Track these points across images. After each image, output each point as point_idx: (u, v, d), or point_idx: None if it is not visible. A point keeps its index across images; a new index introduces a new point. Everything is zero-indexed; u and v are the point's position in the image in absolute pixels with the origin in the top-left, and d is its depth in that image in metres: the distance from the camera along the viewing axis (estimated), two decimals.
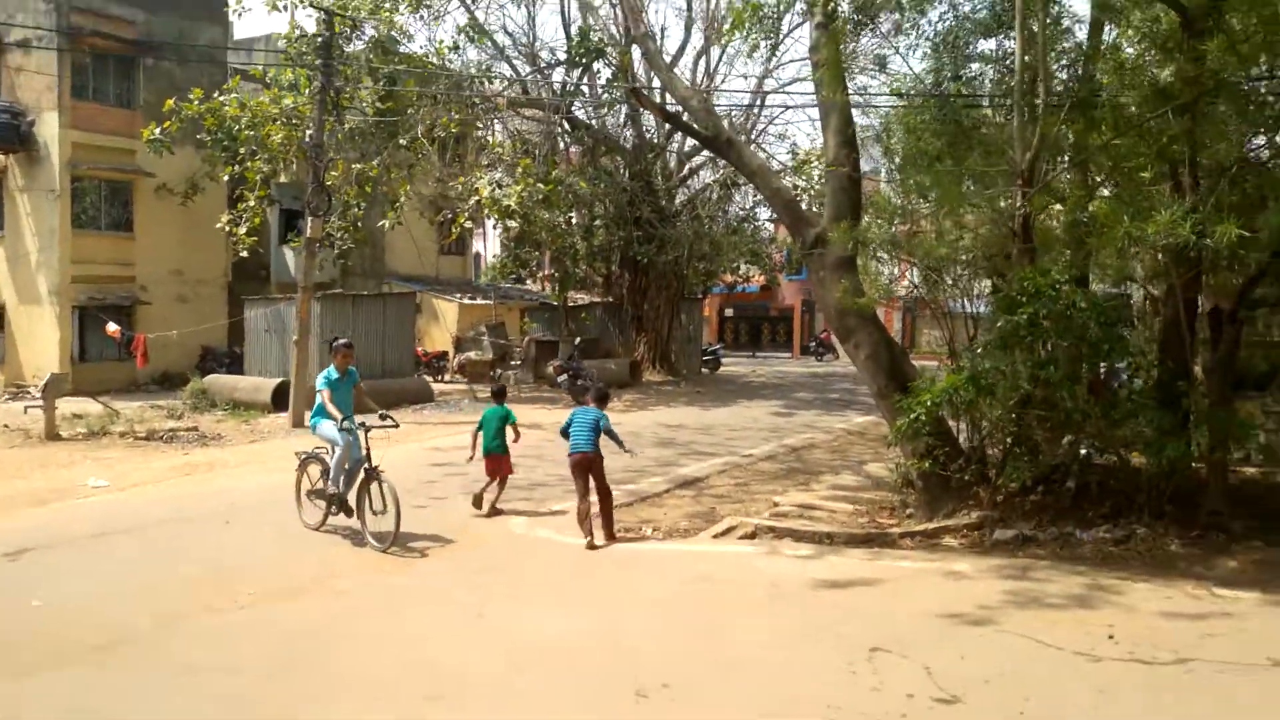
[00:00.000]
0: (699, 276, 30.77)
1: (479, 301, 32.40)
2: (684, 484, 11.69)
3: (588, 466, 8.89)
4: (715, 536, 8.92)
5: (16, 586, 7.69)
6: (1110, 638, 5.74)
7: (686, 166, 29.74)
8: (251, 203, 22.84)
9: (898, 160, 11.04)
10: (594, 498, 8.79)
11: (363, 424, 8.88)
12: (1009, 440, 8.79)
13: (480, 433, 10.15)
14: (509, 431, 10.13)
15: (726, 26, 17.48)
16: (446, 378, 27.80)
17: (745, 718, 4.73)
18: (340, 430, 8.84)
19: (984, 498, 8.73)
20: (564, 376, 22.05)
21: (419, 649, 5.86)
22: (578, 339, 26.30)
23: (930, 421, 8.65)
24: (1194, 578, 7.03)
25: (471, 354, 28.19)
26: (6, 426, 17.98)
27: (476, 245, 39.53)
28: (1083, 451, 8.88)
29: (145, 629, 6.43)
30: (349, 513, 8.93)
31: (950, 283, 10.59)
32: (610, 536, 8.65)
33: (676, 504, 10.58)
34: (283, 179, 25.98)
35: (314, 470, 9.45)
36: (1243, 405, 9.03)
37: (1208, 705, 4.82)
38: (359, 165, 22.49)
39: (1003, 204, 9.48)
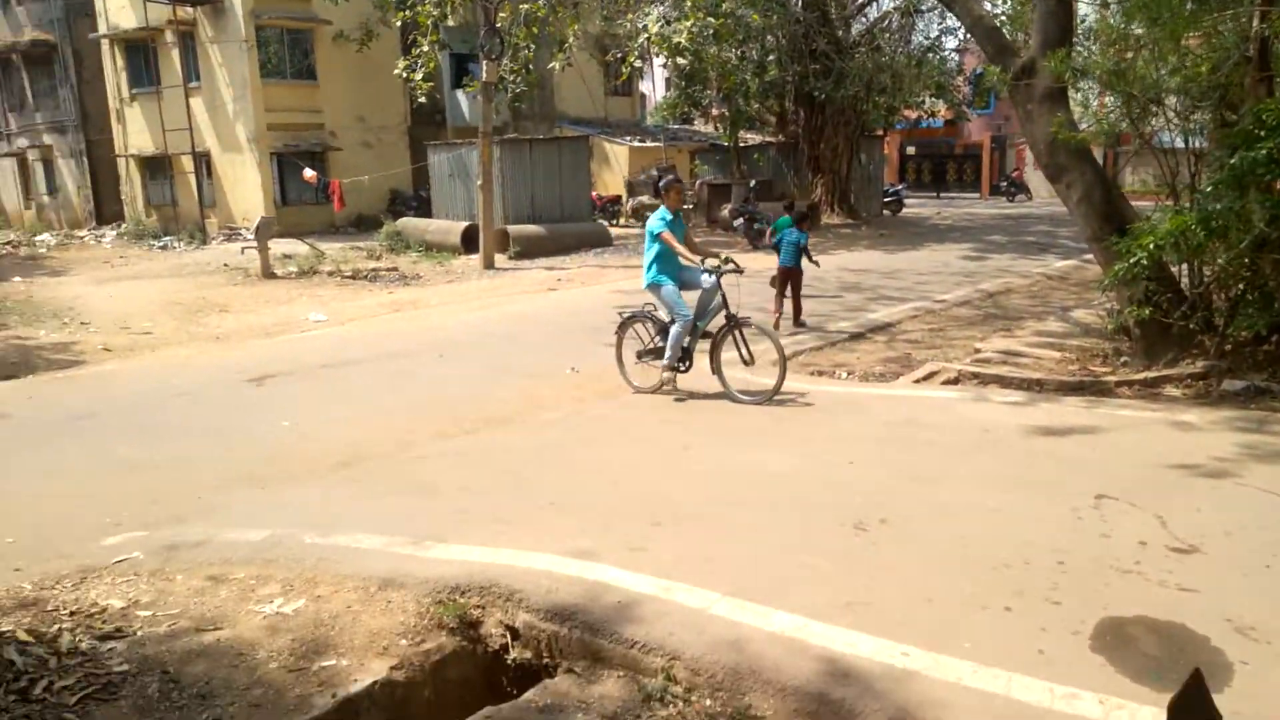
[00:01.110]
0: (879, 112, 29.28)
1: (649, 144, 32.12)
2: (875, 329, 11.54)
3: (790, 278, 11.62)
4: (915, 381, 8.83)
5: (266, 408, 8.54)
6: None
7: None
8: (424, 47, 23.08)
9: None
10: (787, 306, 11.60)
11: (716, 269, 8.12)
12: (1240, 286, 8.18)
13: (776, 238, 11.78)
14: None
15: None
16: (621, 221, 28.05)
17: (969, 557, 4.77)
18: (701, 273, 8.12)
19: (1209, 347, 8.22)
20: (740, 220, 21.84)
21: (634, 479, 6.15)
22: (751, 181, 25.82)
23: (1152, 266, 8.13)
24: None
25: (644, 198, 28.21)
26: (226, 265, 19.53)
27: (644, 85, 38.86)
28: None
29: (382, 450, 7.03)
30: (701, 364, 8.33)
31: (1169, 115, 9.71)
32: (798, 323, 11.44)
33: (869, 349, 10.49)
34: (451, 22, 26.04)
35: (644, 330, 8.71)
36: None
37: None
38: (526, 5, 22.24)
39: (1231, 27, 8.48)
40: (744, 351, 8.18)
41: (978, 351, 9.82)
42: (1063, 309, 12.18)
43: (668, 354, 8.23)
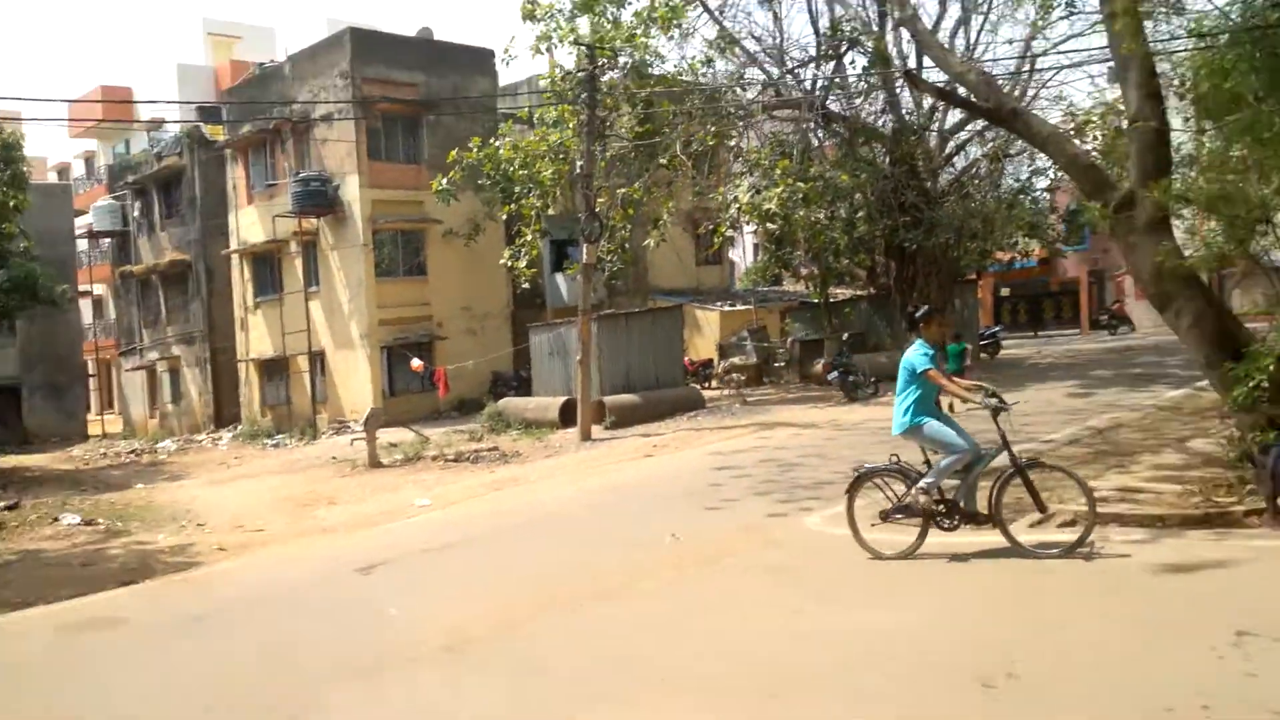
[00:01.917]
0: (971, 257, 29.21)
1: (738, 307, 32.68)
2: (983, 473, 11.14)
3: None
4: (1031, 526, 8.43)
5: (372, 596, 8.65)
6: None
7: (951, 143, 28.42)
8: (528, 237, 24.43)
9: (1203, 107, 10.05)
10: None
11: (996, 406, 7.23)
12: None
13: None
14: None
15: None
16: (714, 384, 28.28)
17: (1105, 708, 4.42)
18: (984, 401, 7.25)
19: None
20: (834, 373, 21.78)
21: (745, 649, 5.96)
22: (844, 335, 25.88)
23: (1272, 388, 7.78)
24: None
25: (736, 359, 28.49)
26: (335, 458, 20.29)
27: (733, 253, 39.94)
28: None
29: (487, 631, 6.99)
30: (978, 522, 7.41)
31: (1277, 234, 9.47)
32: None
33: (980, 494, 10.10)
34: (551, 211, 27.60)
35: (892, 486, 7.75)
36: None
37: None
38: (623, 189, 23.42)
39: None
40: (1036, 500, 7.33)
41: (1093, 490, 9.35)
42: (1179, 440, 11.58)
43: (929, 477, 7.32)
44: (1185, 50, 10.41)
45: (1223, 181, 9.39)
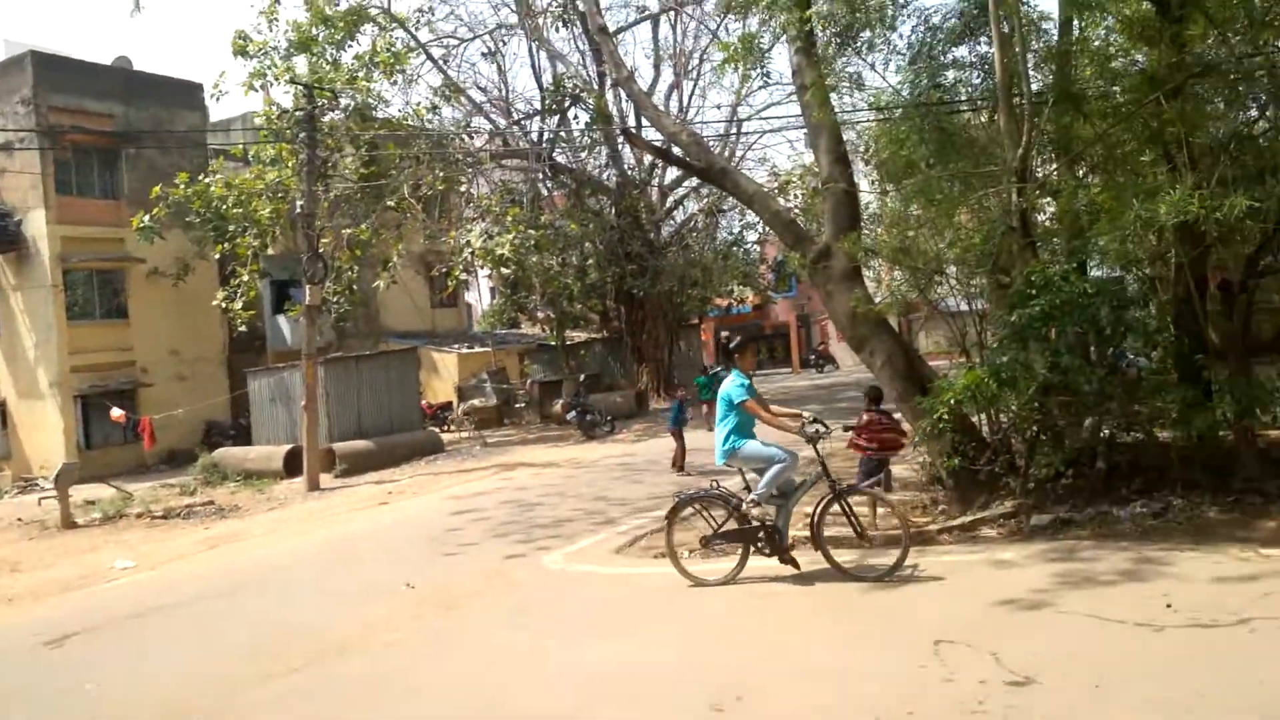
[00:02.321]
0: (693, 303, 31.06)
1: (477, 350, 32.55)
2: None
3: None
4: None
5: (65, 672, 7.67)
6: (1169, 607, 5.78)
7: (671, 198, 30.11)
8: (245, 277, 23.08)
9: (884, 171, 11.29)
10: None
11: (814, 434, 7.34)
12: (1034, 429, 8.87)
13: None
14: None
15: (719, 62, 17.74)
16: (452, 427, 27.88)
17: None
18: (804, 429, 7.35)
19: (1015, 487, 8.78)
20: (572, 413, 22.19)
21: (488, 695, 5.84)
22: (581, 375, 26.47)
23: (954, 419, 8.74)
24: (1238, 541, 7.08)
25: (475, 401, 28.31)
26: (20, 520, 17.93)
27: (469, 295, 39.73)
28: (1106, 432, 8.96)
29: (203, 704, 6.40)
30: (782, 552, 7.42)
31: (951, 283, 10.76)
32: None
33: (708, 525, 10.57)
34: (270, 251, 26.22)
35: (713, 513, 7.80)
36: (1259, 372, 9.13)
37: (1278, 659, 4.86)
38: (349, 230, 22.71)
39: (994, 202, 9.64)
40: (855, 524, 7.50)
41: (808, 516, 10.06)
42: None
43: (760, 488, 7.33)
44: (868, 121, 11.65)
45: (903, 237, 10.57)
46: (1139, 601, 5.98)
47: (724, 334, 8.32)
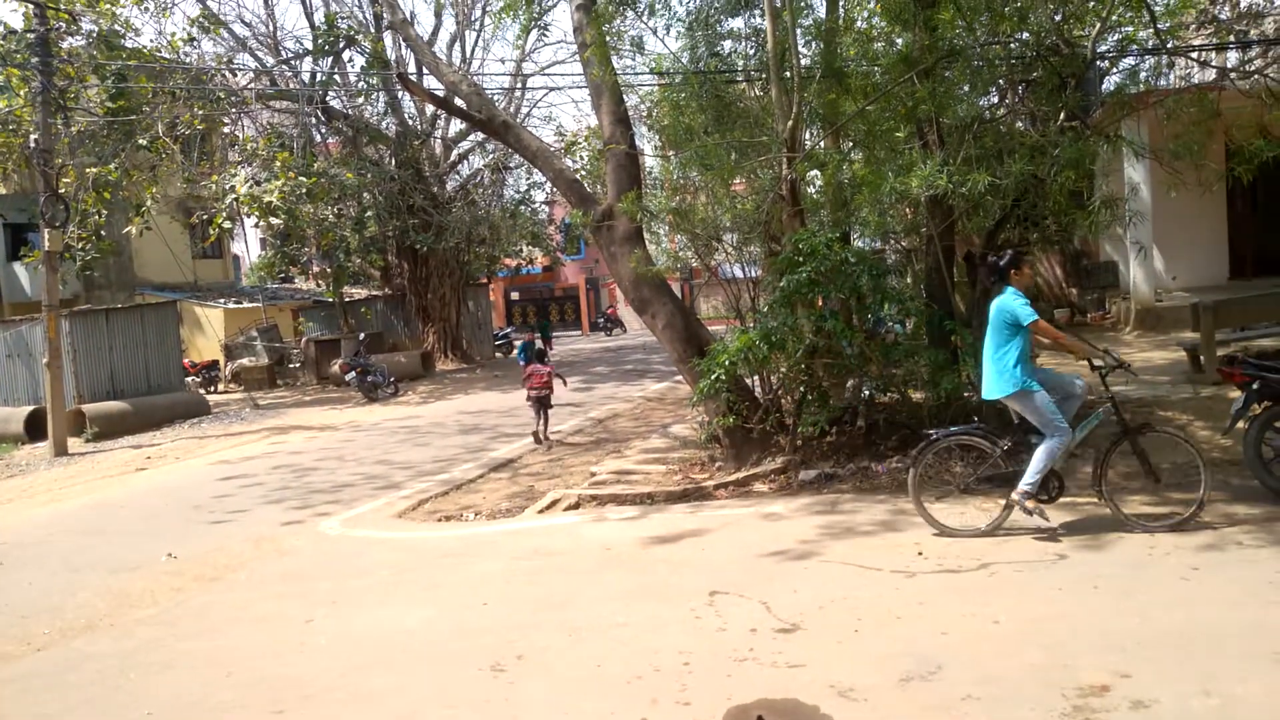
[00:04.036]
0: (481, 262, 30.52)
1: (245, 305, 30.66)
2: (498, 467, 11.67)
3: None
4: (540, 512, 9.01)
5: None
6: (920, 554, 6.32)
7: (455, 152, 29.33)
8: None
9: (665, 136, 11.54)
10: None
11: (1106, 366, 6.56)
12: (801, 389, 9.39)
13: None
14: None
15: (497, 8, 17.34)
16: (221, 388, 26.24)
17: (604, 674, 4.86)
18: (1108, 360, 6.51)
19: (784, 444, 9.30)
20: (352, 373, 21.36)
21: (251, 667, 5.56)
22: (361, 334, 25.50)
23: (729, 380, 9.12)
24: (982, 494, 7.73)
25: (245, 360, 26.71)
26: None
27: (236, 247, 37.26)
28: (866, 393, 9.63)
29: None
30: (1051, 496, 6.60)
31: (728, 249, 11.18)
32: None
33: (494, 487, 10.56)
34: (2, 190, 23.45)
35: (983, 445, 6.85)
36: None
37: (1012, 600, 5.41)
38: (95, 169, 20.64)
39: (767, 172, 10.06)
40: (1147, 468, 6.60)
41: (593, 475, 10.28)
42: (663, 427, 13.18)
43: (1030, 477, 6.43)
44: (649, 85, 11.83)
45: (682, 200, 10.86)
46: (894, 550, 6.49)
47: (993, 256, 6.99)
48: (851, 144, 10.75)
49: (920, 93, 8.64)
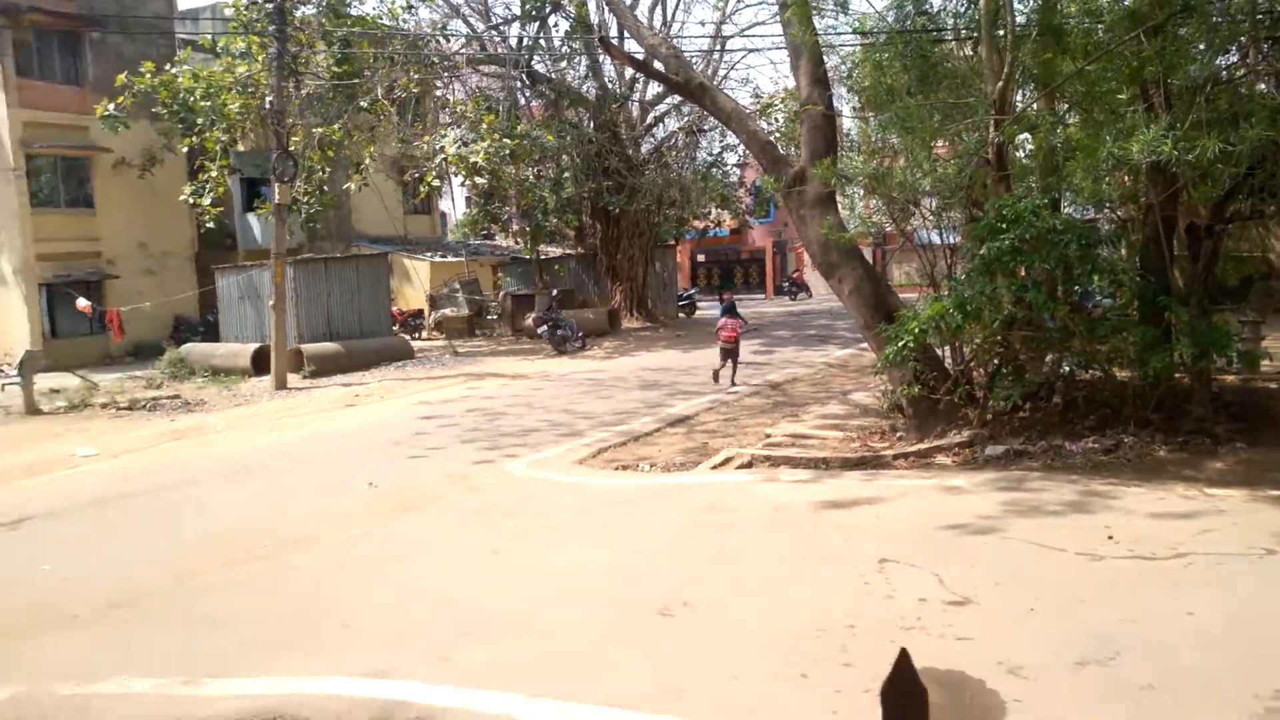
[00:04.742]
0: (670, 223, 30.83)
1: (450, 259, 32.24)
2: (674, 422, 11.85)
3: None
4: (713, 468, 9.10)
5: (22, 553, 7.74)
6: (1110, 538, 5.97)
7: (651, 115, 29.58)
8: (213, 173, 22.58)
9: (865, 98, 11.20)
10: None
11: None
12: (995, 361, 9.02)
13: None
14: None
15: None
16: (424, 335, 27.83)
17: (768, 630, 4.90)
18: None
19: (972, 417, 8.97)
20: (544, 327, 22.18)
21: (440, 590, 5.97)
22: (554, 290, 26.35)
23: (918, 348, 8.86)
24: (1184, 480, 7.26)
25: (447, 311, 28.15)
26: None
27: (443, 203, 39.18)
28: (1066, 368, 9.12)
29: (160, 586, 6.49)
30: None
31: (926, 215, 10.79)
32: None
33: (669, 441, 10.74)
34: (241, 148, 25.63)
35: None
36: (1219, 316, 9.28)
37: (1210, 593, 5.05)
38: (320, 129, 22.20)
39: (972, 135, 9.60)
40: None
41: (768, 436, 10.26)
42: (843, 393, 12.96)
43: None
44: (851, 45, 11.50)
45: (879, 164, 10.53)
46: (1081, 532, 6.16)
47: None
48: (1067, 106, 10.10)
49: (1148, 52, 8.01)
